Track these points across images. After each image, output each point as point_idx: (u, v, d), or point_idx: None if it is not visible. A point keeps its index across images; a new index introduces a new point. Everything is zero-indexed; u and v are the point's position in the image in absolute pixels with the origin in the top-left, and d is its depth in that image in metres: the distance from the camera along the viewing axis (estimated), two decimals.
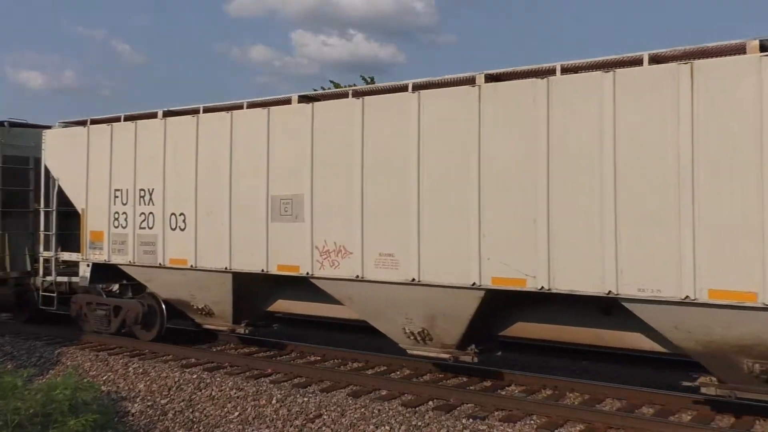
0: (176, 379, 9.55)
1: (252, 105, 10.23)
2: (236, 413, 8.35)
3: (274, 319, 11.73)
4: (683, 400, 8.05)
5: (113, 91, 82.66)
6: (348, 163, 8.91)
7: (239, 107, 10.30)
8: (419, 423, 7.57)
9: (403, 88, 8.75)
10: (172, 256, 10.77)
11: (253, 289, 10.59)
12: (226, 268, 10.12)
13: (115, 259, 11.50)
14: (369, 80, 35.13)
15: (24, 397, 6.62)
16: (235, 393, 8.87)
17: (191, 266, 10.50)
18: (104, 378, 10.01)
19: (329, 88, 24.33)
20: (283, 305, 10.83)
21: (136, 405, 8.80)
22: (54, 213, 12.47)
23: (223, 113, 10.26)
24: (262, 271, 9.73)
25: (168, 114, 11.20)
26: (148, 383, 9.58)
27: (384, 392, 8.85)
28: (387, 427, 7.55)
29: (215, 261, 10.26)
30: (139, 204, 11.19)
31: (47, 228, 12.60)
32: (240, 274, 10.14)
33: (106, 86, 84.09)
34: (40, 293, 12.79)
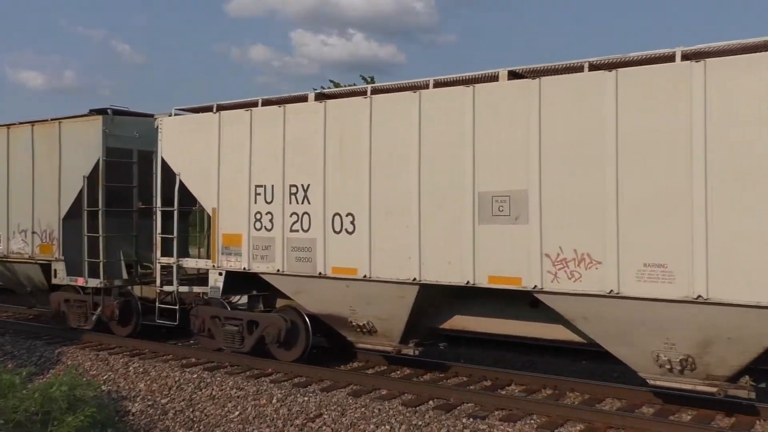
0: (176, 379, 9.41)
1: (440, 84, 8.54)
2: (237, 413, 8.21)
3: (441, 337, 10.04)
4: (683, 400, 7.97)
5: (113, 91, 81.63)
6: (595, 150, 7.20)
7: (424, 86, 8.61)
8: (419, 422, 7.49)
9: (668, 58, 7.05)
10: (335, 265, 9.08)
11: (433, 304, 8.92)
12: (414, 279, 8.42)
13: (258, 267, 9.81)
14: (369, 80, 34.80)
15: (22, 395, 6.49)
16: (236, 392, 8.74)
17: (364, 276, 8.80)
18: (104, 377, 9.80)
19: (329, 88, 23.41)
20: (461, 322, 9.13)
21: (136, 404, 8.61)
22: (176, 213, 10.79)
23: (407, 93, 8.55)
24: (467, 283, 8.03)
25: (321, 97, 9.53)
26: (148, 383, 9.43)
27: (384, 392, 8.77)
28: (387, 427, 7.46)
29: (397, 271, 8.56)
30: (290, 203, 9.50)
31: (166, 230, 10.92)
32: (428, 287, 8.45)
33: (105, 86, 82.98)
34: (157, 305, 11.11)
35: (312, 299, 9.60)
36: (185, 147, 10.67)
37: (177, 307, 10.77)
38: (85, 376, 9.04)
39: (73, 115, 12.33)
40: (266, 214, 9.73)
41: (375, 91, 9.01)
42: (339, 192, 9.05)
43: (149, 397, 8.99)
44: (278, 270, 9.58)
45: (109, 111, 11.86)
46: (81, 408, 6.43)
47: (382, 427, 7.48)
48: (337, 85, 30.48)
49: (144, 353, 11.09)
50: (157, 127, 11.01)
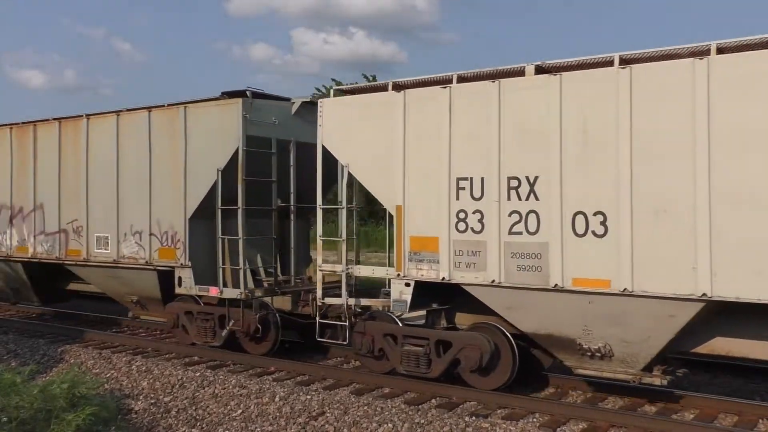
0: (179, 377, 9.39)
1: (725, 49, 6.82)
2: (239, 411, 8.14)
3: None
4: (686, 399, 8.02)
5: (114, 90, 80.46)
6: None
7: (704, 52, 6.89)
8: (422, 421, 7.43)
9: None
10: (577, 275, 7.36)
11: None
12: (703, 295, 6.69)
13: (462, 277, 8.11)
14: (371, 78, 34.96)
15: (25, 393, 6.44)
16: (238, 391, 8.71)
17: (624, 290, 7.08)
18: (107, 376, 9.72)
19: (331, 87, 22.31)
20: (725, 345, 7.41)
21: (139, 402, 8.53)
22: (345, 212, 9.09)
23: (686, 61, 6.82)
24: None
25: (541, 70, 7.83)
26: (151, 381, 9.39)
27: (386, 390, 8.76)
28: (390, 425, 7.36)
29: (672, 284, 6.84)
30: (509, 199, 7.80)
31: (331, 231, 9.24)
32: (717, 304, 6.73)
33: (106, 85, 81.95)
34: (317, 321, 9.41)
35: (532, 316, 7.89)
36: (355, 133, 8.98)
37: (347, 324, 9.05)
38: (88, 374, 8.76)
39: (201, 99, 10.66)
40: (473, 212, 8.02)
41: (624, 62, 7.29)
42: (582, 185, 7.33)
43: (152, 395, 8.85)
44: (493, 280, 7.87)
45: (247, 93, 10.17)
46: (83, 406, 6.37)
47: (385, 425, 7.36)
48: (338, 84, 29.71)
49: (147, 351, 11.15)
50: (319, 110, 9.29)
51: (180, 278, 10.63)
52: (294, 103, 10.82)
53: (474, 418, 7.48)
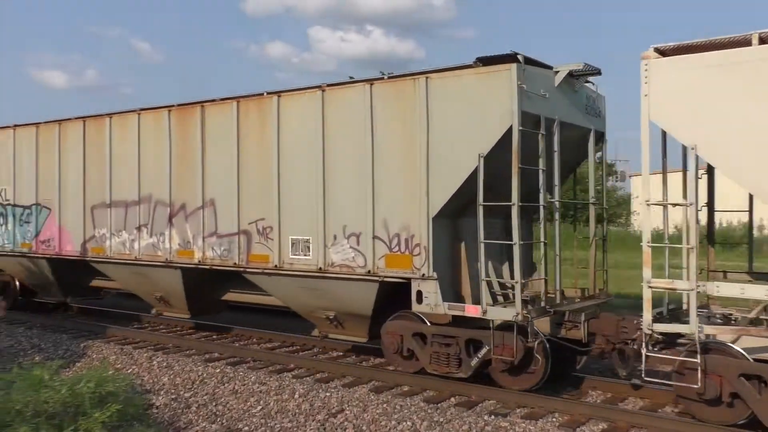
0: (200, 373, 9.43)
1: None
2: (259, 407, 8.11)
3: None
4: None
5: (135, 89, 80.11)
6: None
7: None
8: (441, 419, 7.38)
9: None
10: None
11: None
12: None
13: None
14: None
15: (53, 388, 6.42)
16: (258, 387, 8.74)
17: None
18: (129, 371, 9.74)
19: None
20: None
21: (160, 398, 8.48)
22: (695, 209, 6.79)
23: None
24: None
25: None
26: (172, 377, 9.41)
27: (406, 388, 8.75)
28: (409, 423, 7.29)
29: None
30: None
31: (668, 236, 7.04)
32: None
33: (127, 84, 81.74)
34: (644, 354, 7.10)
35: None
36: (710, 103, 6.67)
37: (698, 361, 6.71)
38: (110, 369, 8.51)
39: (447, 67, 8.43)
40: None
41: None
42: None
43: (173, 390, 8.89)
44: None
45: (519, 58, 7.91)
46: (110, 402, 6.36)
47: (404, 423, 7.30)
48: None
49: (167, 348, 11.30)
50: (643, 78, 7.00)
51: (420, 293, 8.44)
52: (558, 72, 8.53)
53: (493, 417, 7.46)
